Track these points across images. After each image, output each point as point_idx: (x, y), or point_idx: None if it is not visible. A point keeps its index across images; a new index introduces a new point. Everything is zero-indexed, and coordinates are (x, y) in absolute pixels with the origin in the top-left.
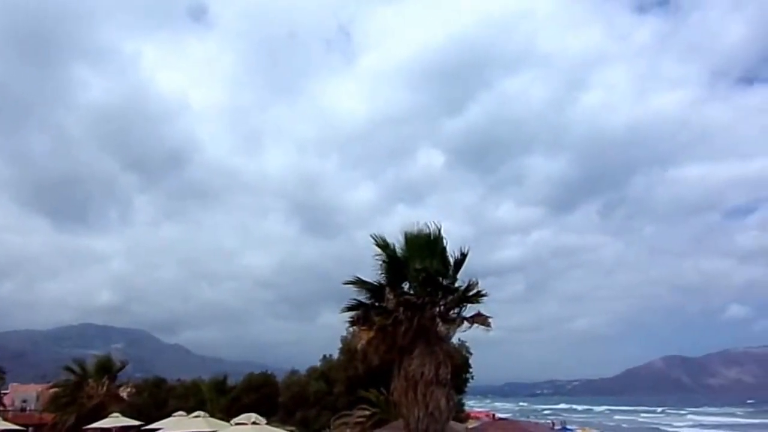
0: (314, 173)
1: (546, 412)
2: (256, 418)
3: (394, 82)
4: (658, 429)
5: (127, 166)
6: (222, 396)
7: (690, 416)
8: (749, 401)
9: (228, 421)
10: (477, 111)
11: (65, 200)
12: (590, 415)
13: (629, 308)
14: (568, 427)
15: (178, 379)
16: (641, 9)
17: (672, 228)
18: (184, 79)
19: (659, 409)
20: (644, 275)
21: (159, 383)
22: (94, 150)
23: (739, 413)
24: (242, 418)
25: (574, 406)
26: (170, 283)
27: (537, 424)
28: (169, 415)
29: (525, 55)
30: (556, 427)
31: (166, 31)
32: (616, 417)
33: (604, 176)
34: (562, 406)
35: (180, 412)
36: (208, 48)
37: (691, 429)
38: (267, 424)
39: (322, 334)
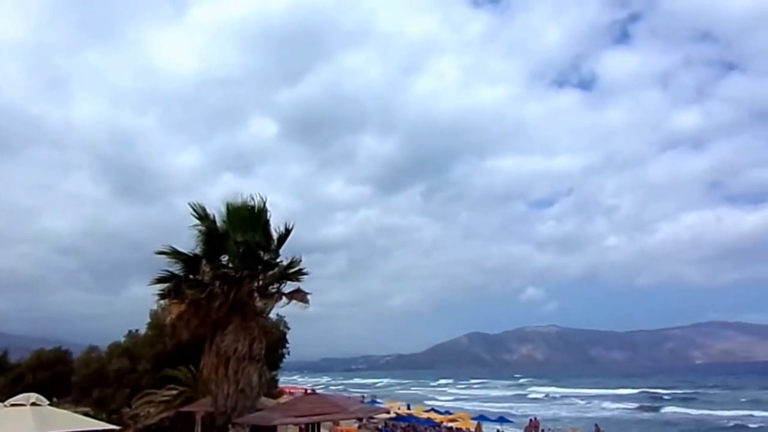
0: (130, 130)
1: (333, 387)
2: (36, 398)
3: (227, 41)
4: (421, 401)
5: None
6: (1, 375)
7: (453, 390)
8: (516, 375)
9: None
10: (314, 83)
11: None
12: (373, 389)
13: (441, 287)
14: (378, 400)
15: None
16: (476, 3)
17: (484, 214)
18: None
19: (434, 383)
20: (457, 257)
21: None
22: None
23: (498, 386)
24: (20, 398)
25: (364, 381)
26: None
27: (349, 398)
28: None
29: (365, 33)
30: (366, 401)
31: None
32: (397, 391)
33: (429, 161)
34: (356, 380)
35: None
36: None
37: (448, 402)
38: (55, 405)
39: (130, 307)
